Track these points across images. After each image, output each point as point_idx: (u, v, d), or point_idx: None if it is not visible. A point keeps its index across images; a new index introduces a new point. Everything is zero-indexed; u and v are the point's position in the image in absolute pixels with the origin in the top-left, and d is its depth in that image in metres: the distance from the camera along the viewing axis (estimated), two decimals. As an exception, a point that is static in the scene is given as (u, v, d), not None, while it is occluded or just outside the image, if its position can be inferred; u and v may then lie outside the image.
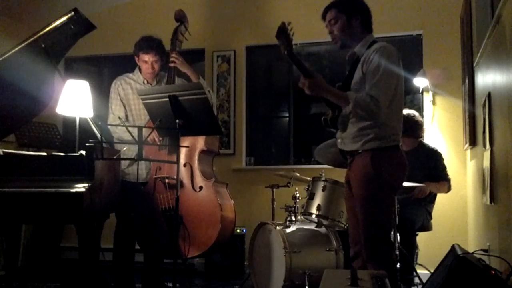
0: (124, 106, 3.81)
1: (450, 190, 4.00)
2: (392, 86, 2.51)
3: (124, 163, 3.71)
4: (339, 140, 2.70)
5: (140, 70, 3.87)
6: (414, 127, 3.97)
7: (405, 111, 3.99)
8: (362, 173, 2.54)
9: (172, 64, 3.77)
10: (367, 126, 2.54)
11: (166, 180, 3.58)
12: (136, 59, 3.83)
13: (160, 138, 3.64)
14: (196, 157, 3.63)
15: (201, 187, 3.57)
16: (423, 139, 4.14)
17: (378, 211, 2.52)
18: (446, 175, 3.99)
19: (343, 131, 2.65)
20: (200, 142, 3.63)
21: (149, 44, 3.75)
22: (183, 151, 3.63)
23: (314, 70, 2.57)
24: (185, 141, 3.59)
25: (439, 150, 4.09)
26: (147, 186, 3.71)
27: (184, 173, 3.61)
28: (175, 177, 3.08)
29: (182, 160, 3.63)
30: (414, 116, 4.01)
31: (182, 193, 3.52)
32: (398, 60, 2.56)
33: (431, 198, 4.03)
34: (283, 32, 2.49)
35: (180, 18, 3.90)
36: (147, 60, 3.75)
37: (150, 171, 3.76)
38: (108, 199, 3.28)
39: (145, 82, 3.85)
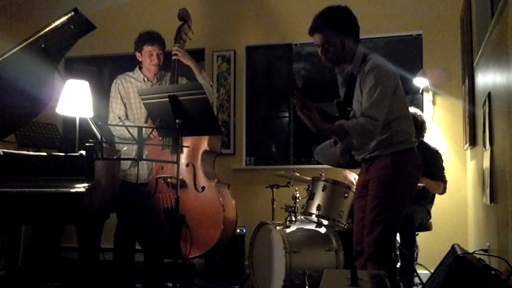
0: (125, 105, 3.80)
1: (445, 192, 3.99)
2: (389, 98, 2.52)
3: (125, 164, 3.71)
4: (356, 155, 2.73)
5: (140, 68, 3.88)
6: (419, 127, 4.00)
7: (411, 110, 4.01)
8: (381, 173, 2.58)
9: (174, 57, 3.79)
10: (384, 138, 2.57)
11: (169, 180, 3.57)
12: (138, 55, 3.83)
13: (160, 138, 3.64)
14: (199, 157, 3.63)
15: (203, 188, 3.57)
16: (423, 138, 4.15)
17: (389, 211, 2.55)
18: (443, 176, 3.99)
19: (344, 161, 2.73)
20: (203, 142, 3.63)
21: (154, 36, 3.79)
22: (186, 151, 3.64)
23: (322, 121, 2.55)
24: (188, 141, 3.59)
25: (439, 151, 4.09)
26: (149, 185, 3.71)
27: (186, 173, 3.61)
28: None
29: (185, 160, 3.63)
30: (419, 115, 4.03)
31: (185, 193, 3.52)
32: (391, 67, 2.59)
33: (431, 198, 4.04)
34: (296, 89, 2.48)
35: (184, 17, 3.91)
36: (152, 51, 3.75)
37: (152, 171, 3.76)
38: (108, 199, 3.29)
39: (146, 79, 3.85)
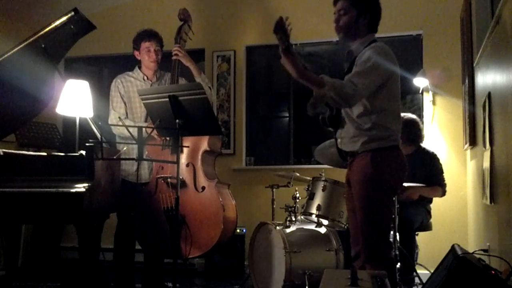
0: (125, 103, 3.81)
1: (444, 195, 4.00)
2: (378, 79, 2.50)
3: (128, 164, 3.71)
4: (338, 140, 2.70)
5: (139, 68, 3.88)
6: (418, 136, 4.03)
7: (412, 116, 4.02)
8: (362, 173, 2.54)
9: (174, 57, 3.79)
10: (365, 127, 2.54)
11: (169, 180, 3.57)
12: (137, 53, 3.84)
13: (167, 138, 3.63)
14: (199, 157, 3.63)
15: (203, 188, 3.57)
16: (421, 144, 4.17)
17: (377, 211, 2.52)
18: (442, 179, 4.00)
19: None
20: (203, 142, 3.63)
21: (151, 32, 3.82)
22: (186, 151, 3.64)
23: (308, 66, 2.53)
24: (188, 141, 3.59)
25: (437, 154, 4.11)
26: (149, 185, 3.71)
27: (186, 173, 3.61)
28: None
29: (185, 160, 3.63)
30: (419, 124, 4.06)
31: (185, 193, 3.52)
32: (392, 59, 2.57)
33: (429, 198, 4.04)
34: (281, 26, 2.46)
35: (184, 17, 3.91)
36: (150, 47, 3.77)
37: (152, 171, 3.76)
38: (108, 199, 3.28)
39: (145, 78, 3.86)
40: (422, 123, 4.64)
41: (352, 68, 2.59)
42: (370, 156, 2.52)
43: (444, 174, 4.03)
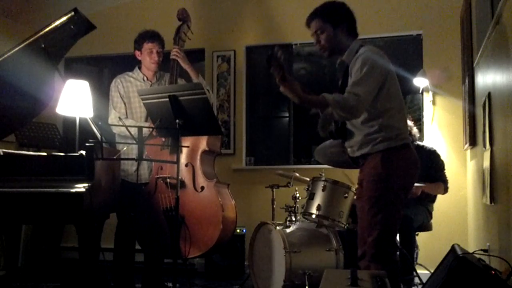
0: (125, 103, 3.81)
1: (446, 192, 3.99)
2: (377, 81, 2.52)
3: (128, 164, 3.71)
4: (348, 149, 2.72)
5: (139, 68, 3.88)
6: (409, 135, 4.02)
7: None
8: (372, 173, 2.56)
9: (173, 57, 3.78)
10: (373, 131, 2.56)
11: (168, 180, 3.57)
12: (138, 53, 3.84)
13: (164, 139, 3.63)
14: (198, 157, 3.63)
15: (202, 188, 3.57)
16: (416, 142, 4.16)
17: (385, 211, 2.53)
18: (444, 176, 3.99)
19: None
20: (202, 142, 3.64)
21: (153, 33, 3.82)
22: (185, 151, 3.64)
23: (307, 89, 2.56)
24: (187, 141, 3.59)
25: (437, 151, 4.10)
26: (148, 185, 3.71)
27: (186, 174, 3.61)
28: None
29: (184, 160, 3.63)
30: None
31: (184, 193, 3.52)
32: (384, 58, 2.58)
33: (432, 198, 4.04)
34: (274, 59, 2.46)
35: (183, 17, 3.91)
36: (152, 49, 3.77)
37: (152, 171, 3.76)
38: (108, 199, 3.29)
39: (145, 79, 3.86)
40: (421, 123, 4.65)
41: (347, 77, 2.62)
42: (380, 157, 2.55)
43: (445, 171, 4.02)
